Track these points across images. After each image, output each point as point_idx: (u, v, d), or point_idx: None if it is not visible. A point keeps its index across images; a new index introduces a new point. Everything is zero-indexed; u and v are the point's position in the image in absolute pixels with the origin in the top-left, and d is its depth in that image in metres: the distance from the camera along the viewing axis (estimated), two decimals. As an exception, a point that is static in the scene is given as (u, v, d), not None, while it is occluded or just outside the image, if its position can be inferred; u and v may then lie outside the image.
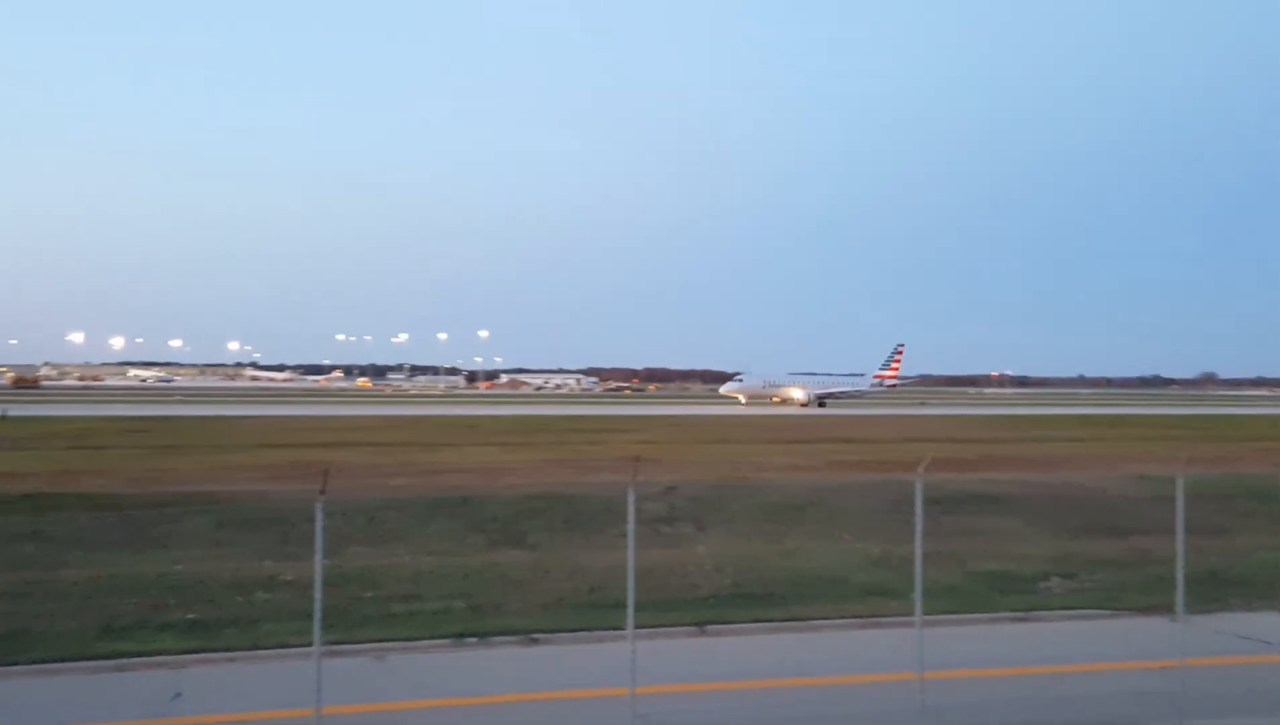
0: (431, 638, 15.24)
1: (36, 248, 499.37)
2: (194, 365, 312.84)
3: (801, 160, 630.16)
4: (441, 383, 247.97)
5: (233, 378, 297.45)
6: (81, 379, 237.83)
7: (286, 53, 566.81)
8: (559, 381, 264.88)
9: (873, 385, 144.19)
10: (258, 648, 14.79)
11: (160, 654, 14.35)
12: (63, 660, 14.04)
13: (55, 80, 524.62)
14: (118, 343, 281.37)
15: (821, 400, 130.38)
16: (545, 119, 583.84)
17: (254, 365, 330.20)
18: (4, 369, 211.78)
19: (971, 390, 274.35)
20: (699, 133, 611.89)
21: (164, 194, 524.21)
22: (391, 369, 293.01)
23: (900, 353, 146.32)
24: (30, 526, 21.75)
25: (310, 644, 10.82)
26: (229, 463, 41.42)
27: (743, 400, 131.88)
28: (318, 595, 10.62)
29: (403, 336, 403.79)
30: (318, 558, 10.66)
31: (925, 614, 12.56)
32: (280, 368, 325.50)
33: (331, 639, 12.29)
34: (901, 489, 20.17)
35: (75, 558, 19.82)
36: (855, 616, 16.68)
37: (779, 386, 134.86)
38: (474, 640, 15.15)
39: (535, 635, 15.40)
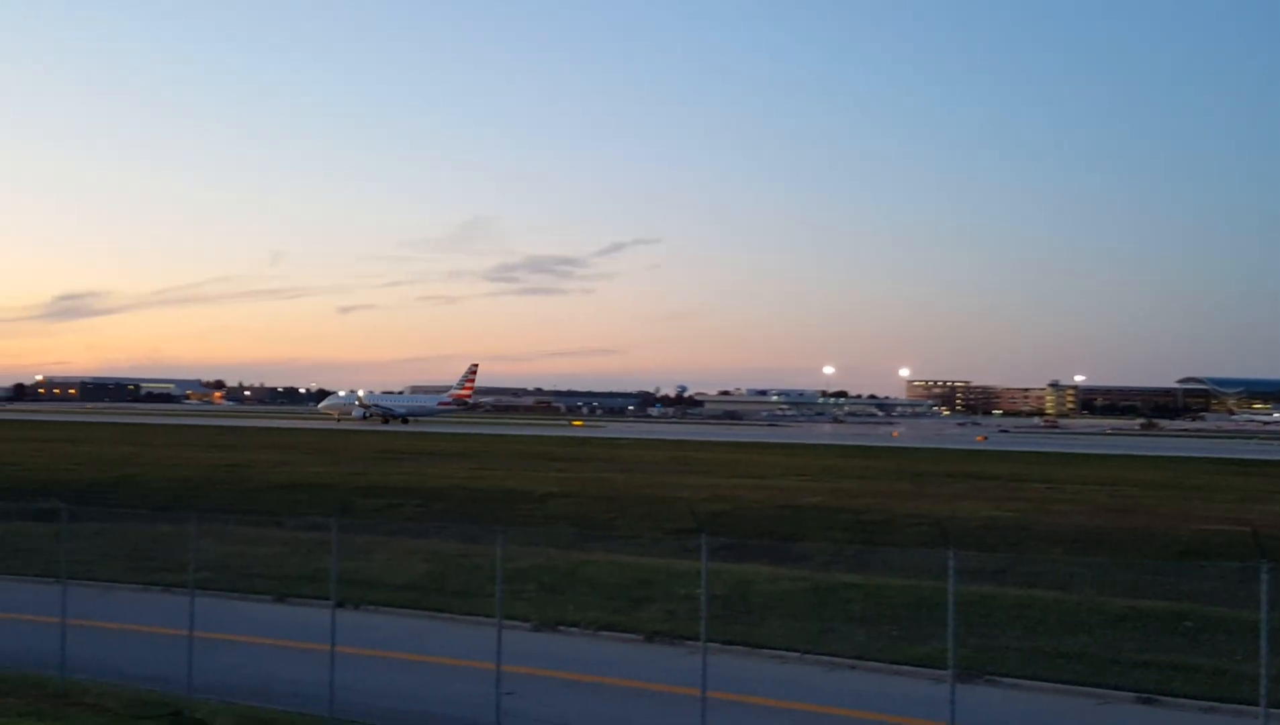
0: None
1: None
2: None
3: None
4: None
5: None
6: None
7: None
8: None
9: (442, 403, 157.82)
10: None
11: None
12: None
13: None
14: None
15: (385, 417, 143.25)
16: None
17: None
18: None
19: None
20: None
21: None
22: None
23: (474, 373, 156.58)
24: None
25: None
26: None
27: (336, 417, 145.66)
28: None
29: None
30: None
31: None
32: None
33: None
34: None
35: None
36: None
37: (351, 406, 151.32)
38: None
39: None
